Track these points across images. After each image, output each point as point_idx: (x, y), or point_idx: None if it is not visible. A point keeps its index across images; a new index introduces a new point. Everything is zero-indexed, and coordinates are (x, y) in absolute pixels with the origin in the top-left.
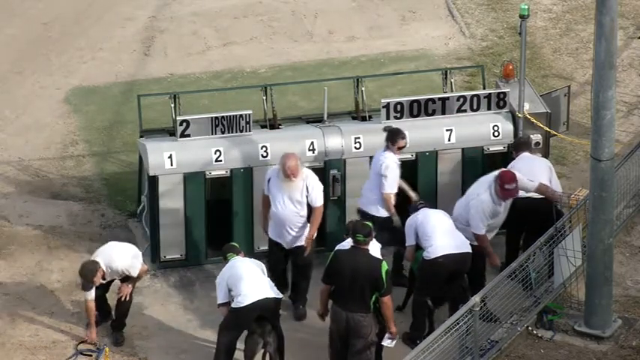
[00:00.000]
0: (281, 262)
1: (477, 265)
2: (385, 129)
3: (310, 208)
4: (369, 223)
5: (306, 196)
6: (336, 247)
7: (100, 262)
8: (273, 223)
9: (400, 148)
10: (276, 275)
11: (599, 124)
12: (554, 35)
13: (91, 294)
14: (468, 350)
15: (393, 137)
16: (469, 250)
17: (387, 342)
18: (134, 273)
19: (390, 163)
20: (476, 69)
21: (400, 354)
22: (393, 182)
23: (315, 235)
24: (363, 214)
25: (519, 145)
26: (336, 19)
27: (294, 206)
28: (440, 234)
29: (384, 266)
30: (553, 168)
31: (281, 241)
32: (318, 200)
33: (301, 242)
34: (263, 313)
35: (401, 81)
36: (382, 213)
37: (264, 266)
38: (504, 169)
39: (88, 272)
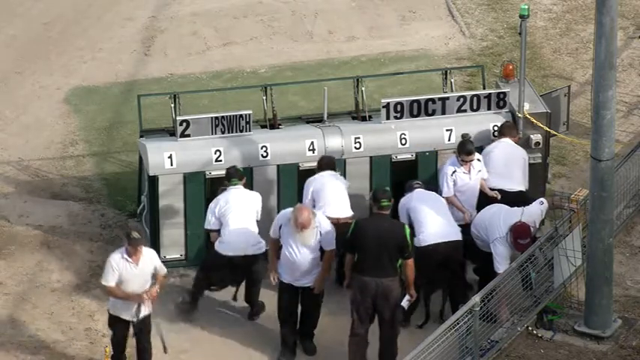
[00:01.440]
0: (294, 303)
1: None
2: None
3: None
4: (388, 188)
5: (319, 241)
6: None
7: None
8: (284, 265)
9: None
10: (290, 320)
11: (599, 124)
12: (554, 35)
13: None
14: (468, 350)
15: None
16: (459, 238)
17: (404, 303)
18: (163, 271)
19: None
20: (476, 69)
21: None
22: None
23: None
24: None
25: (503, 130)
26: (336, 19)
27: (308, 252)
28: (431, 221)
29: (407, 229)
30: (527, 160)
31: (292, 281)
32: (331, 244)
33: (311, 282)
34: (237, 262)
35: (401, 81)
36: None
37: (257, 202)
38: (519, 222)
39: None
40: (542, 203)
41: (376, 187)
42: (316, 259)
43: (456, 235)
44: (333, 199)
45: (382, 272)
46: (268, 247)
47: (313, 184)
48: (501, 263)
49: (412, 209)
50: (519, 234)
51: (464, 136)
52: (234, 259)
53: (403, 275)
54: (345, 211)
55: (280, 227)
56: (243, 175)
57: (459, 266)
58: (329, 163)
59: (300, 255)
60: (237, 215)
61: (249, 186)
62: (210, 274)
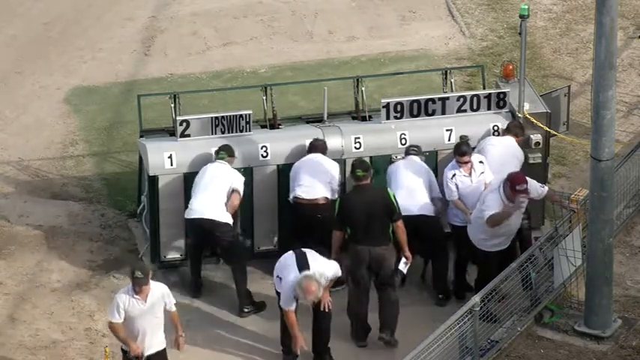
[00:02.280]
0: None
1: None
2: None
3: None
4: (366, 159)
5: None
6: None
7: None
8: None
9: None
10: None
11: (599, 124)
12: (554, 35)
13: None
14: (468, 350)
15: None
16: (427, 213)
17: (402, 266)
18: (172, 308)
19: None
20: (476, 69)
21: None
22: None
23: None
24: None
25: (510, 127)
26: (336, 19)
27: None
28: (403, 193)
29: (390, 193)
30: (522, 162)
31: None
32: (331, 278)
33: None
34: (200, 231)
35: (401, 81)
36: None
37: (235, 180)
38: (513, 172)
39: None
40: (542, 186)
41: (354, 160)
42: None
43: (424, 210)
44: (305, 181)
45: (375, 241)
46: (287, 317)
47: (296, 164)
48: (489, 209)
49: (390, 175)
50: (515, 180)
51: (462, 137)
52: (201, 223)
53: (395, 239)
54: (315, 193)
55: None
56: (233, 154)
57: (428, 239)
58: (316, 146)
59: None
60: (207, 186)
61: (250, 186)
62: (190, 242)
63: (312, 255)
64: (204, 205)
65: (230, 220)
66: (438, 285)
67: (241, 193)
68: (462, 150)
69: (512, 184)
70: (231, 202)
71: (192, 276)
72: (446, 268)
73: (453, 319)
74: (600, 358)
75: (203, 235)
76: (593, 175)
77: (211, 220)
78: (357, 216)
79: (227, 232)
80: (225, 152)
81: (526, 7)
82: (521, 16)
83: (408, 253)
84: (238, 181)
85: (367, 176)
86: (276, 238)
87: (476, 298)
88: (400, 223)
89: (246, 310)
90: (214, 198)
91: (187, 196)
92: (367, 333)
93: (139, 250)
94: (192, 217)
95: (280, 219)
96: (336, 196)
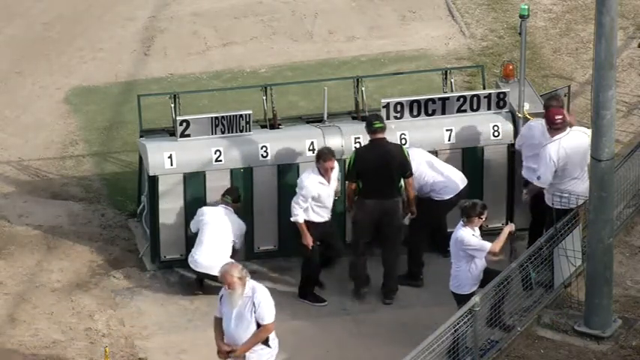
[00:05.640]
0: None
1: None
2: None
3: None
4: (380, 114)
5: None
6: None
7: None
8: None
9: None
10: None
11: (599, 124)
12: (554, 35)
13: None
14: (468, 350)
15: None
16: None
17: (406, 221)
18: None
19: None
20: (476, 69)
21: None
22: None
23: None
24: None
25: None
26: (336, 19)
27: None
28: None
29: (405, 149)
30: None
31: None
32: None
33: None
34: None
35: (401, 81)
36: None
37: (237, 228)
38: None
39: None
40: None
41: (370, 114)
42: None
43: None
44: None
45: (384, 195)
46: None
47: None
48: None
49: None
50: (552, 116)
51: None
52: (203, 275)
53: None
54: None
55: None
56: (238, 199)
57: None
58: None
59: None
60: (211, 236)
61: (250, 186)
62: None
63: None
64: (209, 259)
65: None
66: None
67: (241, 244)
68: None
69: (550, 122)
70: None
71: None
72: None
73: (453, 319)
74: (600, 358)
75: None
76: (593, 175)
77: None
78: (370, 169)
79: None
80: (230, 197)
81: (526, 7)
82: (521, 16)
83: (414, 209)
84: (239, 234)
85: (384, 129)
86: (276, 238)
87: (476, 298)
88: (411, 180)
89: None
90: (219, 251)
91: (187, 196)
92: (367, 282)
93: (139, 250)
94: (196, 270)
95: (280, 219)
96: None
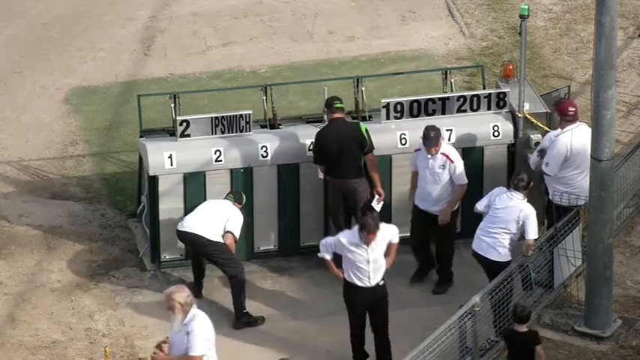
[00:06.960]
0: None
1: None
2: None
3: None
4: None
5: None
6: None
7: None
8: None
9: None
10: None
11: (599, 124)
12: (554, 35)
13: None
14: (468, 350)
15: None
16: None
17: (374, 203)
18: None
19: None
20: (476, 69)
21: None
22: None
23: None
24: None
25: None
26: (336, 19)
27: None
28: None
29: (363, 126)
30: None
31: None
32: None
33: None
34: (191, 244)
35: (401, 81)
36: None
37: (233, 218)
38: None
39: None
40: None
41: (329, 97)
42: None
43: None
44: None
45: (347, 173)
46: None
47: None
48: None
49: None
50: (564, 108)
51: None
52: (190, 237)
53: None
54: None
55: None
56: (241, 201)
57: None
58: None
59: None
60: (205, 209)
61: (250, 186)
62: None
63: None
64: (196, 221)
65: (221, 240)
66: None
67: (236, 236)
68: None
69: (561, 114)
70: (225, 239)
71: (195, 280)
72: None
73: (453, 319)
74: (600, 358)
75: (194, 248)
76: (593, 175)
77: (199, 235)
78: (331, 148)
79: (218, 250)
80: (233, 197)
81: (526, 7)
82: (521, 16)
83: (380, 189)
84: (236, 222)
85: (343, 109)
86: (276, 238)
87: (476, 298)
88: (371, 157)
89: (241, 322)
90: (208, 219)
91: (187, 196)
92: None
93: (139, 250)
94: (181, 229)
95: (280, 219)
96: None
